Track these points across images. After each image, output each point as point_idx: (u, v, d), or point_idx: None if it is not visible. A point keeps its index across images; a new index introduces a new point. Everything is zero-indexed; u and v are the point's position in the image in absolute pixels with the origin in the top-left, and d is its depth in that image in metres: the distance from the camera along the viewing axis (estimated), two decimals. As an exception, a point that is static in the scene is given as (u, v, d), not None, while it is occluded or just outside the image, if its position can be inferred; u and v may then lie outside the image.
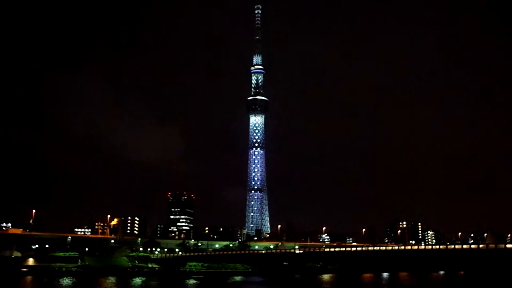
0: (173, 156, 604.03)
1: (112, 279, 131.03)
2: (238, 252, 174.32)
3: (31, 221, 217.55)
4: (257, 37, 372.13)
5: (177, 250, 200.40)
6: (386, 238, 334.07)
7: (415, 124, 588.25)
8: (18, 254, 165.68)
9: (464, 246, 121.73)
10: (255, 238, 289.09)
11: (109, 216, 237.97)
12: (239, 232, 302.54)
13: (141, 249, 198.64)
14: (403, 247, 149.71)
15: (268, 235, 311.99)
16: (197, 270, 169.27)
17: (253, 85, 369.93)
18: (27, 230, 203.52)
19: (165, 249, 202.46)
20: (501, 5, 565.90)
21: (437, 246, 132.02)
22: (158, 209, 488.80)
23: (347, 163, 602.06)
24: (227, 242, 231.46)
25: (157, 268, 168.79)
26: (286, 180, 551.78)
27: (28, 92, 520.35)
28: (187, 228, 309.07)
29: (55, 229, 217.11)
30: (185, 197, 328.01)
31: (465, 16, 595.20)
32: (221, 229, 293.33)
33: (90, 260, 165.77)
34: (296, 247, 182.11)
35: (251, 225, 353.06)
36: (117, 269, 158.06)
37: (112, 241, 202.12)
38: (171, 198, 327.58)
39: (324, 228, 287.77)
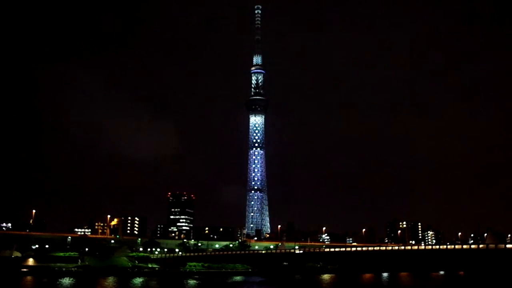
0: (173, 156, 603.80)
1: (112, 279, 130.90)
2: (238, 252, 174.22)
3: (31, 221, 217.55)
4: (257, 37, 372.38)
5: (177, 250, 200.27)
6: (386, 238, 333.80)
7: (415, 124, 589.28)
8: (18, 254, 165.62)
9: (464, 246, 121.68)
10: (255, 238, 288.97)
11: (109, 216, 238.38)
12: (239, 232, 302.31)
13: (141, 249, 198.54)
14: (403, 247, 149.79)
15: (268, 235, 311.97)
16: (197, 270, 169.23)
17: (253, 85, 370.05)
18: (27, 230, 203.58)
19: (165, 249, 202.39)
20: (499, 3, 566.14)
21: (437, 246, 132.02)
22: (158, 209, 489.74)
23: (347, 163, 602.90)
24: (227, 242, 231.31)
25: (157, 268, 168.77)
26: (286, 180, 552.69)
27: (26, 92, 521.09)
28: (187, 228, 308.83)
29: (55, 229, 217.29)
30: (185, 197, 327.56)
31: (465, 14, 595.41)
32: (221, 229, 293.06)
33: (90, 260, 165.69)
34: (296, 247, 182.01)
35: (251, 225, 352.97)
36: (117, 269, 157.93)
37: (112, 241, 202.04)
38: (171, 198, 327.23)
39: (324, 228, 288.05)
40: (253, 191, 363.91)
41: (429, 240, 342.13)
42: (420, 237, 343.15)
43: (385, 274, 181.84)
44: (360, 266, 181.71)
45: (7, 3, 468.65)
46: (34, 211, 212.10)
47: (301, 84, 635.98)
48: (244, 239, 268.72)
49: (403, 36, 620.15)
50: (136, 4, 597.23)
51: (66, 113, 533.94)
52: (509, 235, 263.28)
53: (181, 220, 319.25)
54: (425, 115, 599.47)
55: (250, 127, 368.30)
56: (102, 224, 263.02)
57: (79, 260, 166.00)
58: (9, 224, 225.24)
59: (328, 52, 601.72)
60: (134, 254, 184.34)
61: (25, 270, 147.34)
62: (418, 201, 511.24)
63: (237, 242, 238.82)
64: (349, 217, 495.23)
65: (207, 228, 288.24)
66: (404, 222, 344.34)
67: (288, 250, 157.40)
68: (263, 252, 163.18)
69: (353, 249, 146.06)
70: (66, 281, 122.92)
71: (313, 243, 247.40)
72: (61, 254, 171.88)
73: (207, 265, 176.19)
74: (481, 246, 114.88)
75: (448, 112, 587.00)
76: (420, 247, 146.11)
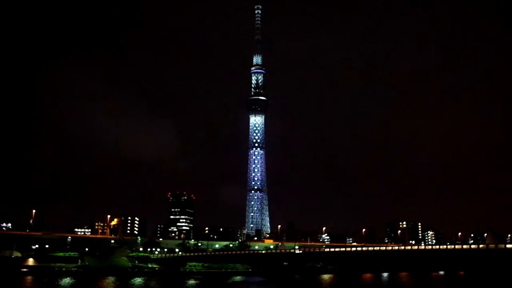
0: (173, 156, 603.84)
1: (112, 279, 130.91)
2: (238, 252, 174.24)
3: (31, 221, 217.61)
4: (257, 37, 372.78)
5: (177, 250, 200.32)
6: (386, 238, 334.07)
7: (415, 124, 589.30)
8: (18, 254, 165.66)
9: (464, 246, 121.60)
10: (255, 238, 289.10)
11: (109, 216, 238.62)
12: (239, 232, 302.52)
13: (141, 249, 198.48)
14: (403, 247, 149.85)
15: (268, 235, 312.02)
16: (197, 270, 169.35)
17: (253, 85, 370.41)
18: (27, 230, 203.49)
19: (165, 249, 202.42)
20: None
21: (437, 246, 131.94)
22: (158, 209, 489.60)
23: (347, 163, 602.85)
24: (227, 242, 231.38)
25: (157, 268, 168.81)
26: (286, 180, 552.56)
27: (25, 91, 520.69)
28: (187, 228, 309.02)
29: (55, 229, 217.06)
30: (185, 197, 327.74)
31: (465, 13, 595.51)
32: (221, 229, 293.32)
33: (90, 260, 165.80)
34: (296, 247, 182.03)
35: (251, 225, 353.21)
36: (117, 269, 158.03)
37: (112, 241, 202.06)
38: (171, 198, 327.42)
39: (324, 228, 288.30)
40: (253, 191, 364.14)
41: (429, 240, 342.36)
42: (420, 237, 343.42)
43: (385, 274, 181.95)
44: (360, 266, 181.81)
45: (6, 1, 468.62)
46: (34, 211, 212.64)
47: (301, 84, 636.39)
48: (244, 239, 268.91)
49: (404, 35, 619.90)
50: (135, 2, 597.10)
51: (65, 112, 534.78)
52: (509, 235, 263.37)
53: (181, 220, 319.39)
54: (425, 115, 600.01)
55: (250, 127, 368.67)
56: (102, 224, 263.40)
57: (79, 260, 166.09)
58: (9, 224, 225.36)
59: (328, 52, 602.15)
60: (134, 254, 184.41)
61: (25, 270, 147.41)
62: (418, 201, 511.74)
63: (237, 242, 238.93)
64: (349, 217, 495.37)
65: (207, 228, 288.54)
66: (404, 222, 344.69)
67: (288, 250, 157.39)
68: (263, 252, 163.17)
69: (353, 249, 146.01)
70: (66, 281, 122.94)
71: (313, 243, 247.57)
72: (61, 254, 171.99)
73: (207, 265, 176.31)
74: (481, 246, 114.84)
75: (448, 112, 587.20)
76: (420, 247, 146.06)
